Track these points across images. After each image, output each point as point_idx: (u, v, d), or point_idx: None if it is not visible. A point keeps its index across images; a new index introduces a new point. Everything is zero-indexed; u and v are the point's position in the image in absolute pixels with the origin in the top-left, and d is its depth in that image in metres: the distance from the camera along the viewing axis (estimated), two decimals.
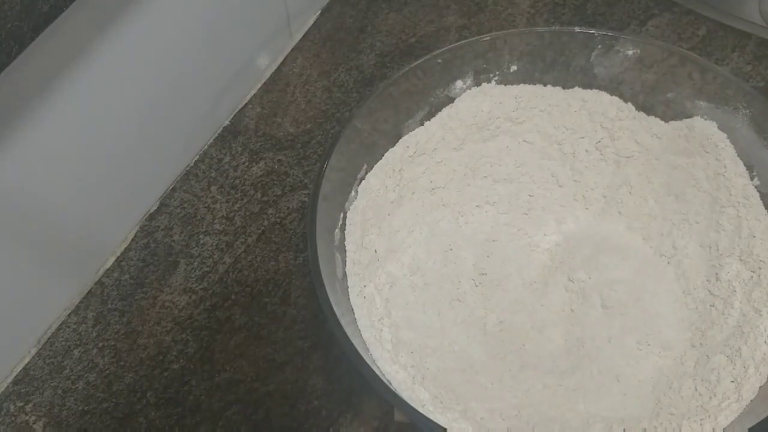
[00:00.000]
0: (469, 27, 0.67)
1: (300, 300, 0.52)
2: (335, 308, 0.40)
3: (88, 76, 0.45)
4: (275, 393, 0.48)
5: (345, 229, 0.47)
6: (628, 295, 0.49)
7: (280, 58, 0.66)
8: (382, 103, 0.50)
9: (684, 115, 0.51)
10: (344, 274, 0.46)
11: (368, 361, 0.40)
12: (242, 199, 0.57)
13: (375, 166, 0.50)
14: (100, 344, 0.51)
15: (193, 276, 0.54)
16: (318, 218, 0.44)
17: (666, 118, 0.52)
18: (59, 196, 0.48)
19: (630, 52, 0.51)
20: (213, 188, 0.58)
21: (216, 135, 0.61)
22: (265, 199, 0.57)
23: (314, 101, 0.63)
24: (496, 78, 0.53)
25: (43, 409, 0.49)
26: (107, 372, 0.50)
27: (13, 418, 0.48)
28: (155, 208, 0.57)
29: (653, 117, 0.52)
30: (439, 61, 0.51)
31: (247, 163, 0.59)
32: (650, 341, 0.47)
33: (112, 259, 0.55)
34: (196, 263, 0.54)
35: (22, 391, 0.49)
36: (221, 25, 0.56)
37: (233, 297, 0.52)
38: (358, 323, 0.44)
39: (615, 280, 0.50)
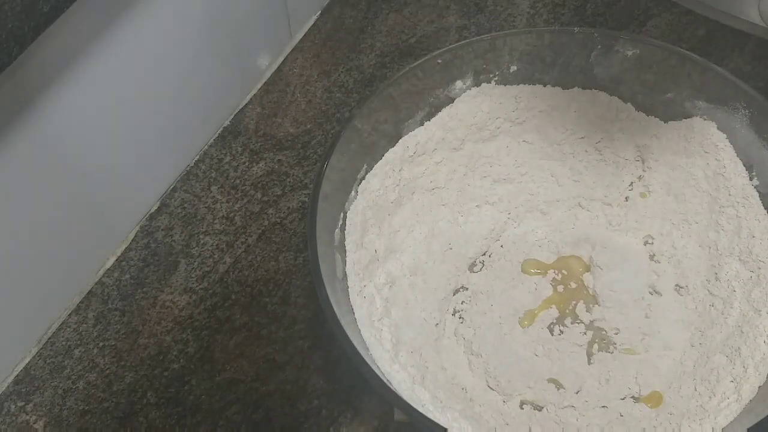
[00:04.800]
0: (468, 27, 0.67)
1: (300, 300, 0.52)
2: (335, 308, 0.40)
3: (89, 77, 0.46)
4: (275, 393, 0.48)
5: (345, 229, 0.47)
6: (628, 295, 0.49)
7: (281, 59, 0.66)
8: (382, 104, 0.50)
9: (683, 115, 0.51)
10: (344, 274, 0.46)
11: (368, 361, 0.40)
12: (242, 199, 0.57)
13: (375, 166, 0.50)
14: (101, 344, 0.51)
15: (193, 276, 0.54)
16: (318, 218, 0.44)
17: (665, 118, 0.52)
18: (60, 196, 0.48)
19: (629, 53, 0.51)
20: (213, 188, 0.58)
21: (216, 135, 0.61)
22: (266, 199, 0.57)
23: (314, 101, 0.63)
24: (495, 78, 0.53)
25: (44, 408, 0.49)
26: (108, 372, 0.50)
27: (14, 418, 0.48)
28: (156, 208, 0.57)
29: (653, 117, 0.52)
30: (439, 61, 0.51)
31: (247, 163, 0.59)
32: (650, 341, 0.47)
33: (113, 259, 0.55)
34: (196, 263, 0.54)
35: (23, 390, 0.49)
36: (221, 25, 0.57)
37: (233, 297, 0.53)
38: (358, 323, 0.44)
39: (615, 280, 0.50)
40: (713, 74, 0.49)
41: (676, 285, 0.49)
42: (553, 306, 0.49)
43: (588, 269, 0.51)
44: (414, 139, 0.51)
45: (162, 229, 0.56)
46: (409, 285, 0.49)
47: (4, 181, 0.43)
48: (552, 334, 0.48)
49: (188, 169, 0.59)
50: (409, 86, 0.51)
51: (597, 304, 0.49)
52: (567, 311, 0.49)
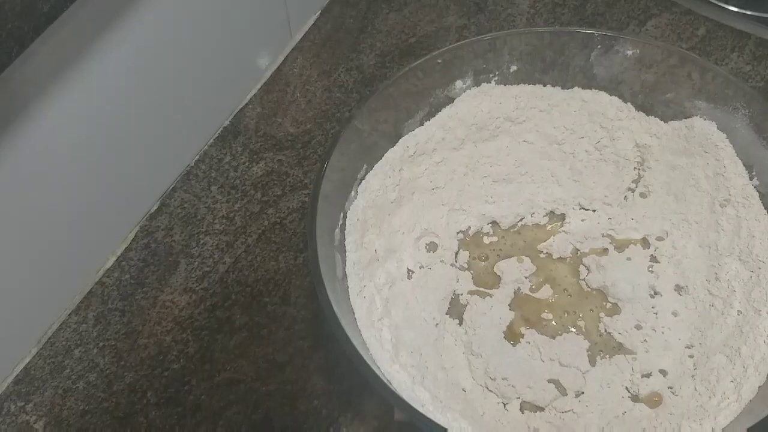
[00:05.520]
0: (468, 27, 0.67)
1: (300, 300, 0.52)
2: (335, 308, 0.40)
3: (89, 77, 0.46)
4: (275, 393, 0.48)
5: (345, 229, 0.47)
6: (628, 295, 0.49)
7: (280, 58, 0.66)
8: (382, 104, 0.50)
9: (683, 115, 0.51)
10: (344, 274, 0.46)
11: (368, 361, 0.40)
12: (242, 199, 0.57)
13: (375, 166, 0.50)
14: (101, 344, 0.51)
15: (193, 276, 0.54)
16: (318, 218, 0.44)
17: (665, 118, 0.52)
18: (60, 196, 0.48)
19: (629, 53, 0.51)
20: (213, 188, 0.58)
21: (216, 135, 0.61)
22: (266, 199, 0.57)
23: (314, 101, 0.63)
24: (495, 78, 0.53)
25: (44, 408, 0.49)
26: (108, 372, 0.50)
27: (14, 418, 0.48)
28: (156, 208, 0.57)
29: (653, 117, 0.52)
30: (439, 61, 0.51)
31: (247, 163, 0.59)
32: (650, 341, 0.47)
33: (113, 259, 0.55)
34: (196, 263, 0.54)
35: (23, 390, 0.49)
36: (221, 25, 0.57)
37: (233, 297, 0.53)
38: (358, 323, 0.44)
39: (615, 281, 0.50)
40: (713, 74, 0.49)
41: (676, 285, 0.49)
42: (548, 311, 0.50)
43: (588, 268, 0.51)
44: (414, 139, 0.51)
45: (162, 229, 0.56)
46: (408, 285, 0.49)
47: (4, 181, 0.43)
48: (552, 335, 0.48)
49: (188, 169, 0.59)
50: (409, 86, 0.51)
51: (598, 305, 0.49)
52: (567, 313, 0.49)
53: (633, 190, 0.53)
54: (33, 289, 0.49)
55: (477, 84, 0.53)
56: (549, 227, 0.53)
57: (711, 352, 0.45)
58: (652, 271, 0.50)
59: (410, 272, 0.50)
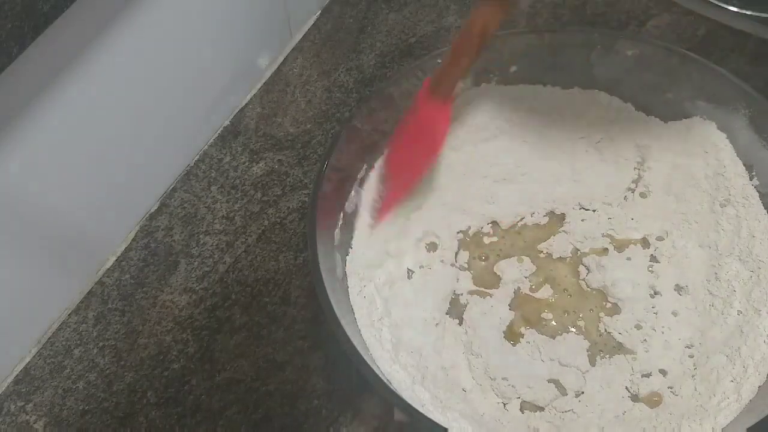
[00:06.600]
0: None
1: (300, 300, 0.52)
2: (335, 308, 0.40)
3: (89, 77, 0.46)
4: (275, 393, 0.48)
5: (345, 229, 0.47)
6: (628, 295, 0.49)
7: (280, 58, 0.66)
8: (382, 103, 0.50)
9: (683, 115, 0.51)
10: (344, 274, 0.46)
11: (368, 361, 0.40)
12: (242, 199, 0.57)
13: (375, 165, 0.50)
14: (101, 344, 0.51)
15: (193, 276, 0.54)
16: (318, 218, 0.44)
17: (665, 119, 0.52)
18: (60, 196, 0.48)
19: (629, 53, 0.51)
20: (213, 188, 0.58)
21: (216, 135, 0.61)
22: (266, 199, 0.57)
23: (314, 101, 0.63)
24: (495, 78, 0.53)
25: (44, 408, 0.49)
26: (108, 371, 0.50)
27: (14, 418, 0.48)
28: (155, 208, 0.57)
29: (653, 117, 0.52)
30: (439, 61, 0.51)
31: (247, 163, 0.59)
32: (650, 341, 0.47)
33: (113, 259, 0.55)
34: (196, 263, 0.54)
35: (23, 390, 0.49)
36: (221, 25, 0.57)
37: (233, 297, 0.53)
38: (357, 323, 0.44)
39: (615, 280, 0.50)
40: (713, 74, 0.49)
41: (676, 285, 0.49)
42: (548, 311, 0.50)
43: (588, 269, 0.51)
44: None
45: (162, 229, 0.56)
46: (408, 285, 0.49)
47: (4, 180, 0.43)
48: (552, 335, 0.48)
49: (188, 168, 0.59)
50: (409, 86, 0.51)
51: (598, 305, 0.49)
52: (567, 313, 0.49)
53: (633, 190, 0.53)
54: (33, 289, 0.49)
55: (477, 84, 0.53)
56: (549, 227, 0.53)
57: (711, 351, 0.45)
58: (652, 271, 0.50)
59: (410, 272, 0.50)
